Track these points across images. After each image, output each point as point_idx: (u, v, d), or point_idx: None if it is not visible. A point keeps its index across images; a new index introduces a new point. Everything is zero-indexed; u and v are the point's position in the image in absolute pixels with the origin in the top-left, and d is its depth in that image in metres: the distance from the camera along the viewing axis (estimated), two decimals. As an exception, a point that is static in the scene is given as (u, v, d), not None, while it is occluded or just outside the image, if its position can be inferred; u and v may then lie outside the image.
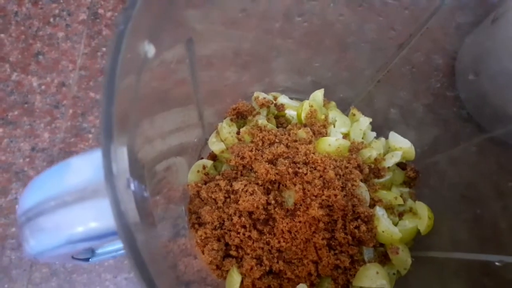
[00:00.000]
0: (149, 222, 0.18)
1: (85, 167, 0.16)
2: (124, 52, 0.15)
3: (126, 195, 0.15)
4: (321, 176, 0.31)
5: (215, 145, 0.37)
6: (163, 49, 0.20)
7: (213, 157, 0.39)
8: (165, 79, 0.23)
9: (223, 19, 0.27)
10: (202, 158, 0.38)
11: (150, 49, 0.18)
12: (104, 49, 0.52)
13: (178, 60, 0.23)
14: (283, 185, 0.32)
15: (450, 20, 0.29)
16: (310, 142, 0.34)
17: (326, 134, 0.35)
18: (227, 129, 0.36)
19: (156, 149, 0.27)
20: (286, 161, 0.32)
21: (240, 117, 0.37)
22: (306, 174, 0.31)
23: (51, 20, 0.53)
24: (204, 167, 0.37)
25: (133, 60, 0.17)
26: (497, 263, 0.25)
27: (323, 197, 0.31)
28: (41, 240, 0.17)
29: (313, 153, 0.32)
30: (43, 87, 0.50)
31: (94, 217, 0.16)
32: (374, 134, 0.37)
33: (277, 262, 0.32)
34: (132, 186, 0.16)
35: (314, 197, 0.31)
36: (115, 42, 0.15)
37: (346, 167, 0.32)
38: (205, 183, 0.36)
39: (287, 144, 0.34)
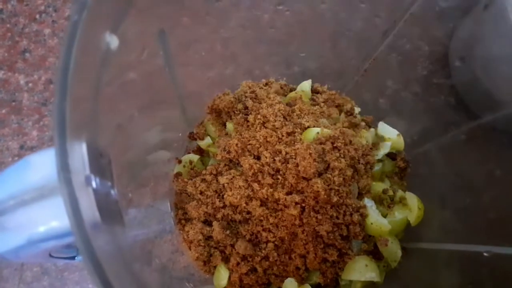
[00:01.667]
0: (115, 221, 0.17)
1: (44, 165, 0.16)
2: (81, 44, 0.15)
3: (84, 193, 0.14)
4: (304, 170, 0.30)
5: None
6: (130, 41, 0.20)
7: (200, 151, 0.38)
8: (138, 72, 0.22)
9: (198, 9, 0.26)
10: (188, 153, 0.38)
11: (112, 40, 0.17)
12: (91, 44, 0.51)
13: (151, 52, 0.22)
14: (267, 179, 0.31)
15: (433, 5, 0.28)
16: (294, 134, 0.33)
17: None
18: (212, 127, 0.36)
19: (135, 145, 0.27)
20: (270, 154, 0.32)
21: (219, 116, 0.36)
22: (289, 168, 0.31)
23: (37, 16, 0.52)
24: (190, 162, 0.36)
25: (93, 52, 0.16)
26: (485, 254, 0.25)
27: (306, 190, 0.30)
28: (3, 240, 0.17)
29: (297, 146, 0.32)
30: (30, 84, 0.50)
31: (54, 216, 0.15)
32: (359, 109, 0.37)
33: (264, 257, 0.31)
34: (94, 184, 0.15)
35: (296, 191, 0.31)
36: (68, 34, 0.14)
37: (335, 159, 0.32)
38: (192, 178, 0.35)
39: (272, 136, 0.33)
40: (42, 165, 0.16)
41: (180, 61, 0.27)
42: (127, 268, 0.17)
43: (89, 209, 0.14)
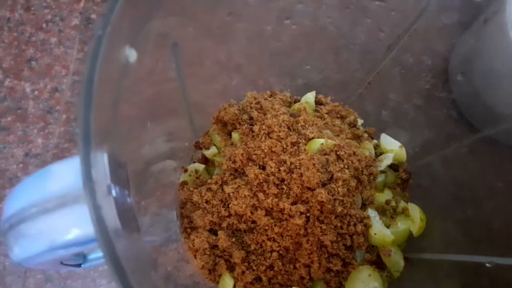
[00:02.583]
0: (132, 227, 0.18)
1: (66, 174, 0.16)
2: (103, 58, 0.15)
3: (106, 201, 0.15)
4: (308, 180, 0.31)
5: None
6: (146, 53, 0.20)
7: (205, 160, 0.39)
8: (151, 83, 0.23)
9: (209, 23, 0.27)
10: (194, 162, 0.38)
11: (131, 54, 0.18)
12: (97, 54, 0.52)
13: (164, 64, 0.23)
14: (272, 189, 0.32)
15: (436, 21, 0.29)
16: (298, 145, 0.34)
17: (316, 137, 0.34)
18: (217, 137, 0.36)
19: (144, 154, 0.27)
20: (275, 164, 0.32)
21: (225, 126, 0.37)
22: (293, 178, 0.31)
23: (44, 25, 0.53)
24: (196, 171, 0.37)
25: (114, 65, 0.17)
26: (487, 265, 0.25)
27: (311, 200, 0.31)
28: (24, 247, 0.17)
29: (302, 157, 0.32)
30: (36, 92, 0.50)
31: (76, 224, 0.16)
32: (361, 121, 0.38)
33: (269, 266, 0.32)
34: (114, 192, 0.16)
35: (301, 201, 0.31)
36: (93, 48, 0.15)
37: (339, 170, 0.32)
38: (197, 187, 0.36)
39: (277, 146, 0.34)
40: (63, 174, 0.16)
41: (189, 72, 0.27)
42: (145, 273, 0.17)
43: (111, 216, 0.15)
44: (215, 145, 0.38)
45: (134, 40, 0.18)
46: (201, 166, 0.37)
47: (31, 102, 0.50)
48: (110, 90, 0.17)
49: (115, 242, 0.14)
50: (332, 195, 0.31)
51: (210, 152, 0.37)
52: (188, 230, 0.35)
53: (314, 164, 0.31)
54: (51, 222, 0.16)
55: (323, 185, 0.32)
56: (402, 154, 0.36)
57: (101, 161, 0.15)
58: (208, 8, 0.25)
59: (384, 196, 0.34)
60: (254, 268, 0.32)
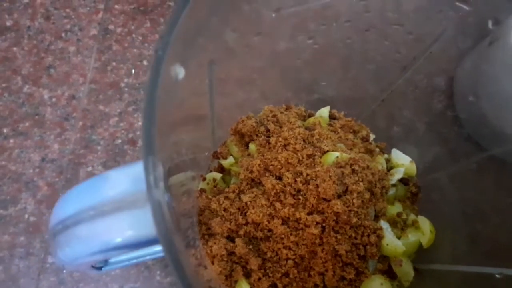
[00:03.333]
0: (177, 229, 0.19)
1: (123, 180, 0.17)
2: (162, 76, 0.17)
3: (164, 205, 0.16)
4: (324, 192, 0.32)
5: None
6: (190, 70, 0.22)
7: (221, 169, 0.40)
8: (188, 97, 0.24)
9: (241, 42, 0.28)
10: (211, 171, 0.40)
11: (181, 72, 0.20)
12: (114, 63, 0.53)
13: (200, 80, 0.25)
14: (289, 199, 0.33)
15: (452, 44, 0.31)
16: (314, 157, 0.35)
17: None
18: (235, 148, 0.38)
19: (175, 163, 0.29)
20: (291, 175, 0.34)
21: (242, 137, 0.38)
22: (309, 189, 0.33)
23: (63, 35, 0.54)
24: (214, 180, 0.38)
25: (167, 82, 0.18)
26: (497, 276, 0.27)
27: (327, 211, 0.32)
28: (76, 248, 0.18)
29: (318, 169, 0.34)
30: (54, 99, 0.52)
31: (130, 226, 0.17)
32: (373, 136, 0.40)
33: (284, 274, 0.33)
34: (166, 197, 0.17)
35: (317, 212, 0.32)
36: (154, 67, 0.17)
37: (353, 182, 0.34)
38: (215, 195, 0.37)
39: (293, 158, 0.35)
40: (120, 180, 0.18)
41: (218, 88, 0.29)
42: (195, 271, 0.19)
43: (169, 219, 0.16)
44: (232, 155, 0.39)
45: (183, 59, 0.20)
46: (218, 175, 0.38)
47: (49, 109, 0.51)
48: (162, 104, 0.18)
49: (175, 243, 0.15)
50: (347, 206, 0.33)
51: (227, 162, 0.39)
52: (206, 236, 0.36)
53: (330, 176, 0.33)
54: (107, 224, 0.17)
55: (339, 196, 0.33)
56: (413, 168, 0.37)
57: (159, 168, 0.17)
58: (241, 29, 0.27)
59: (395, 208, 0.36)
60: (270, 275, 0.33)
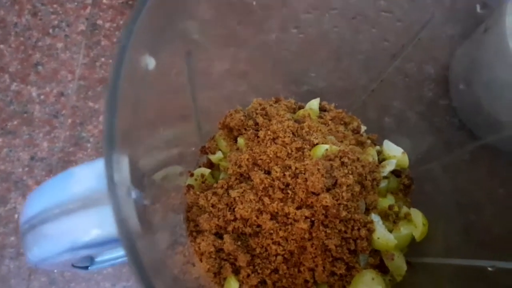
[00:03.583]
0: (147, 229, 0.18)
1: (88, 176, 0.17)
2: (126, 65, 0.16)
3: (127, 203, 0.15)
4: (313, 185, 0.31)
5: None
6: (162, 61, 0.21)
7: (210, 165, 0.39)
8: (165, 90, 0.23)
9: (220, 32, 0.27)
10: (200, 166, 0.39)
11: (150, 62, 0.19)
12: (103, 59, 0.52)
13: (177, 71, 0.24)
14: (277, 193, 0.33)
15: (440, 31, 0.30)
16: (303, 150, 0.34)
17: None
18: (223, 142, 0.37)
19: (155, 158, 0.28)
20: (280, 169, 0.33)
21: (231, 131, 0.38)
22: (298, 183, 0.32)
23: (50, 31, 0.53)
24: (202, 176, 0.37)
25: (134, 73, 0.18)
26: (489, 268, 0.26)
27: (316, 205, 0.31)
28: (44, 247, 0.18)
29: (307, 162, 0.33)
30: (42, 97, 0.51)
31: (97, 225, 0.16)
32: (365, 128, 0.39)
33: (274, 270, 0.32)
34: (133, 194, 0.16)
35: (306, 206, 0.32)
36: (118, 56, 0.16)
37: (343, 175, 0.33)
38: (203, 191, 0.36)
39: (282, 151, 0.34)
40: (86, 177, 0.17)
41: (200, 80, 0.28)
42: (161, 273, 0.18)
43: (132, 218, 0.15)
44: (220, 150, 0.38)
45: (153, 49, 0.19)
46: (207, 171, 0.38)
47: (37, 106, 0.51)
48: (131, 96, 0.17)
49: (137, 242, 0.15)
50: (337, 200, 0.32)
51: (215, 157, 0.38)
52: (194, 233, 0.35)
53: (318, 169, 0.32)
54: (73, 223, 0.16)
55: (328, 190, 0.32)
56: (405, 160, 0.37)
57: (124, 164, 0.16)
58: (219, 17, 0.26)
59: (387, 201, 0.35)
60: (259, 271, 0.33)
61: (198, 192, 0.36)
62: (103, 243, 0.17)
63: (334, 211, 0.31)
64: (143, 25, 0.17)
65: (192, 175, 0.37)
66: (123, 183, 0.15)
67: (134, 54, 0.17)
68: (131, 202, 0.16)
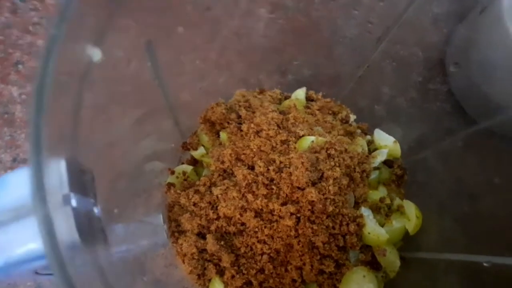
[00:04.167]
0: (97, 239, 0.16)
1: (21, 184, 0.15)
2: (59, 58, 0.14)
3: (61, 213, 0.14)
4: (297, 180, 0.30)
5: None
6: (115, 52, 0.19)
7: (193, 161, 0.37)
8: (124, 84, 0.21)
9: (185, 20, 0.25)
10: (183, 163, 0.37)
11: (95, 53, 0.17)
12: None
13: (138, 64, 0.22)
14: (261, 189, 0.31)
15: (427, 11, 0.28)
16: (288, 143, 0.32)
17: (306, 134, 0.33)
18: (205, 137, 0.35)
19: (123, 157, 0.26)
20: (263, 164, 0.31)
21: (213, 125, 0.36)
22: (283, 178, 0.30)
23: (30, 28, 0.52)
24: (184, 173, 0.36)
25: (73, 66, 0.16)
26: (485, 264, 0.24)
27: (301, 200, 0.30)
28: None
29: (291, 155, 0.31)
30: (23, 96, 0.49)
31: (32, 238, 0.15)
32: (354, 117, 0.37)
33: (260, 270, 0.31)
34: (73, 202, 0.15)
35: (291, 202, 0.30)
36: (46, 48, 0.14)
37: (329, 168, 0.31)
38: (185, 189, 0.34)
39: (266, 145, 0.32)
40: (18, 184, 0.15)
41: (171, 72, 0.26)
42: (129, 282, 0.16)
43: (66, 230, 0.14)
44: (203, 145, 0.37)
45: (98, 39, 0.17)
46: (189, 168, 0.36)
47: (19, 106, 0.49)
48: (69, 92, 0.16)
49: (69, 258, 0.13)
50: (323, 194, 0.30)
51: (198, 153, 0.36)
52: (176, 234, 0.34)
53: (303, 163, 0.30)
54: (5, 237, 0.15)
55: (313, 184, 0.30)
56: (397, 149, 0.35)
57: (57, 168, 0.14)
58: (184, 2, 0.24)
59: (378, 193, 0.33)
60: (244, 272, 0.31)
61: (179, 191, 0.34)
62: (42, 258, 0.15)
63: (321, 206, 0.30)
64: (80, 11, 0.15)
65: (173, 172, 0.36)
66: (55, 190, 0.14)
67: (71, 45, 0.15)
68: (66, 211, 0.14)
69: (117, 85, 0.21)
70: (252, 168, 0.33)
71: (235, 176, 0.33)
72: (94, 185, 0.17)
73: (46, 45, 0.14)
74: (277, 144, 0.33)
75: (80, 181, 0.16)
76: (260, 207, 0.31)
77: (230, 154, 0.33)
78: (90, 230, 0.16)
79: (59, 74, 0.14)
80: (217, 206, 0.32)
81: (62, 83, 0.15)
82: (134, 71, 0.21)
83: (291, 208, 0.30)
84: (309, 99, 0.38)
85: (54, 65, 0.14)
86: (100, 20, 0.17)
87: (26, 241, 0.15)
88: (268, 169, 0.32)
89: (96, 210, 0.17)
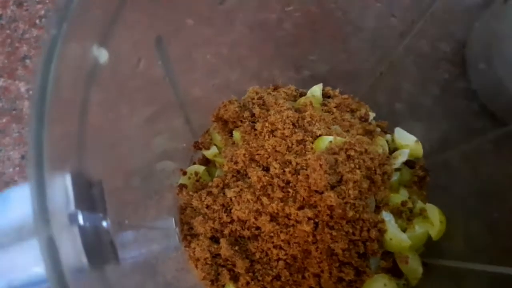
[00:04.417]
0: (107, 256, 0.15)
1: (24, 201, 0.14)
2: (62, 61, 0.13)
3: (66, 235, 0.12)
4: (315, 183, 0.28)
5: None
6: (121, 52, 0.18)
7: (206, 161, 0.36)
8: (134, 85, 0.20)
9: (200, 13, 0.24)
10: (194, 163, 0.36)
11: (102, 54, 0.15)
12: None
13: (148, 62, 0.20)
14: (277, 192, 0.29)
15: (457, 2, 0.26)
16: (305, 143, 0.31)
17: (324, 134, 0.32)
18: (218, 136, 0.34)
19: (132, 160, 0.25)
20: (279, 165, 0.30)
21: (226, 124, 0.34)
22: (299, 180, 0.29)
23: (37, 21, 0.50)
24: (196, 174, 0.34)
25: (77, 69, 0.14)
26: (518, 277, 0.22)
27: (319, 205, 0.28)
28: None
29: (308, 157, 0.30)
30: (31, 92, 0.48)
31: (37, 261, 0.13)
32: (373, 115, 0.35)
33: (276, 276, 0.29)
34: (81, 219, 0.13)
35: (308, 206, 0.29)
36: (46, 51, 0.13)
37: (349, 170, 0.29)
38: (197, 190, 0.33)
39: (281, 145, 0.31)
40: (21, 201, 0.14)
41: (182, 68, 0.25)
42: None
43: (73, 252, 0.12)
44: (215, 144, 0.35)
45: (104, 38, 0.16)
46: (201, 168, 0.35)
47: (27, 102, 0.48)
48: (74, 98, 0.14)
49: (74, 281, 0.12)
50: (343, 198, 0.29)
51: (210, 152, 0.35)
52: (189, 237, 0.32)
53: (321, 165, 0.29)
54: (7, 259, 0.13)
55: (332, 187, 0.29)
56: (418, 149, 0.33)
57: (61, 184, 0.13)
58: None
59: (399, 197, 0.31)
60: (260, 278, 0.30)
61: (191, 192, 0.33)
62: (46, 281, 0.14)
63: (340, 211, 0.28)
64: (82, 9, 0.13)
65: (184, 173, 0.34)
66: (60, 210, 0.12)
67: (73, 46, 0.14)
68: (73, 232, 0.13)
69: (126, 85, 0.20)
70: (267, 169, 0.31)
71: (249, 178, 0.31)
72: (103, 198, 0.16)
73: (46, 47, 0.13)
74: (293, 144, 0.32)
75: (88, 196, 0.15)
76: (276, 211, 0.30)
77: (244, 155, 0.32)
78: (98, 246, 0.14)
79: (62, 79, 0.13)
80: (230, 209, 0.31)
81: (65, 88, 0.13)
82: (144, 69, 0.20)
83: (309, 213, 0.29)
84: (325, 96, 0.37)
85: (57, 69, 0.13)
86: (105, 18, 0.16)
87: (30, 265, 0.14)
88: (284, 171, 0.30)
89: (105, 224, 0.16)
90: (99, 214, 0.15)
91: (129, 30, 0.17)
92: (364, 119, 0.35)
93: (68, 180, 0.13)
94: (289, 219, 0.29)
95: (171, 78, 0.24)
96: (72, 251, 0.12)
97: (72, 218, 0.13)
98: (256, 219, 0.30)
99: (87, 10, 0.14)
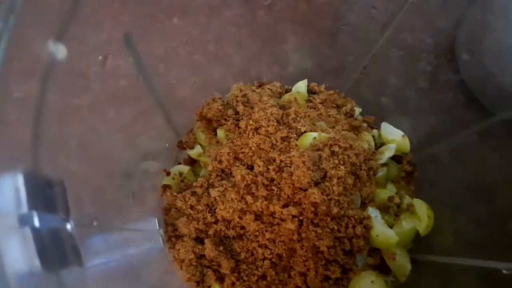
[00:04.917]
0: (67, 259, 0.15)
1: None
2: (10, 57, 0.12)
3: (14, 238, 0.12)
4: (298, 180, 0.28)
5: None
6: (86, 47, 0.17)
7: (191, 161, 0.35)
8: (102, 82, 0.19)
9: (167, 11, 0.23)
10: (180, 163, 0.35)
11: (59, 50, 0.15)
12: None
13: (116, 59, 0.20)
14: (261, 191, 0.29)
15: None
16: (289, 140, 0.30)
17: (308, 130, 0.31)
18: (202, 135, 0.34)
19: (108, 162, 0.24)
20: (263, 163, 0.29)
21: (210, 122, 0.34)
22: (283, 178, 0.28)
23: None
24: (180, 174, 0.34)
25: (30, 66, 0.14)
26: (504, 271, 0.22)
27: (304, 202, 0.28)
28: None
29: (292, 154, 0.29)
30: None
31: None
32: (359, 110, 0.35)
33: (261, 276, 0.29)
34: (36, 221, 0.13)
35: (293, 203, 0.28)
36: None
37: (333, 166, 0.29)
38: (181, 191, 0.33)
39: (265, 143, 0.30)
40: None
41: (160, 66, 0.24)
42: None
43: (21, 256, 0.12)
44: (200, 144, 0.35)
45: (61, 33, 0.15)
46: (185, 168, 0.34)
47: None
48: (26, 97, 0.14)
49: (21, 286, 0.11)
50: (327, 195, 0.28)
51: (194, 152, 0.34)
52: (173, 239, 0.32)
53: (304, 162, 0.28)
54: None
55: (316, 184, 0.28)
56: (405, 144, 0.33)
57: (10, 185, 0.12)
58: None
59: (386, 192, 0.31)
60: (245, 278, 0.29)
61: (175, 193, 0.32)
62: None
63: (324, 207, 0.27)
64: (32, 6, 0.13)
65: (168, 174, 0.34)
66: (7, 212, 0.12)
67: (24, 40, 0.13)
68: (23, 235, 0.12)
69: (95, 83, 0.19)
70: (251, 167, 0.31)
71: (234, 177, 0.31)
72: (65, 198, 0.15)
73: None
74: (277, 141, 0.31)
75: (46, 196, 0.14)
76: (260, 210, 0.29)
77: (228, 153, 0.31)
78: (56, 249, 0.14)
79: (9, 77, 0.12)
80: (215, 209, 0.30)
81: (15, 85, 0.13)
82: (113, 67, 0.19)
83: (293, 211, 0.28)
84: (311, 92, 0.36)
85: (2, 64, 0.12)
86: (62, 12, 0.15)
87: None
88: (268, 169, 0.30)
89: (68, 226, 0.15)
90: (59, 216, 0.15)
91: (94, 26, 0.17)
92: (349, 115, 0.34)
93: (20, 180, 0.13)
94: (273, 217, 0.29)
95: (145, 77, 0.23)
96: (21, 254, 0.12)
97: (23, 220, 0.12)
98: (240, 218, 0.29)
99: (37, 3, 0.13)
